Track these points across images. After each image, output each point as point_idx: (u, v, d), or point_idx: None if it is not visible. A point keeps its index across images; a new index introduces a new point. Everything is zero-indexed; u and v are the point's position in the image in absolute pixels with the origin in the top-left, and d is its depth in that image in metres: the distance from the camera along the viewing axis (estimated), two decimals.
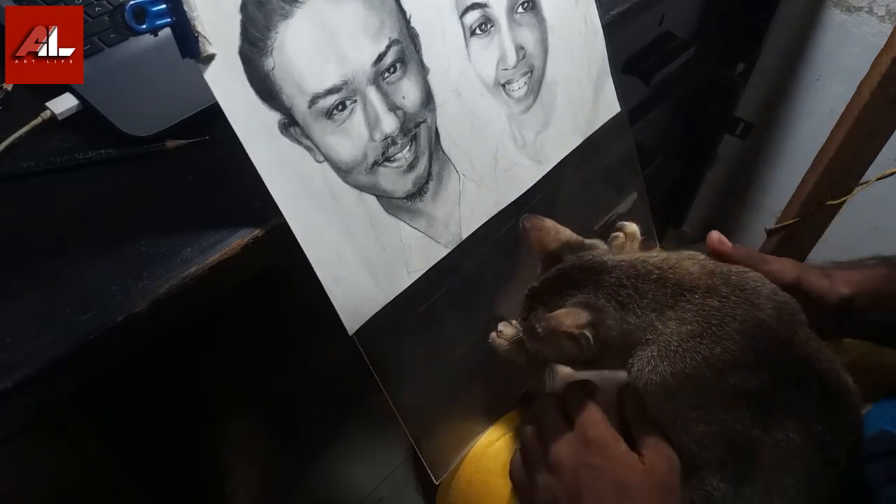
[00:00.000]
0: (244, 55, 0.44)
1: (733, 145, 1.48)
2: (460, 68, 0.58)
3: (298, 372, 0.70)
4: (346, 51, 0.49)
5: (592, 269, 0.55)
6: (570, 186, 0.73)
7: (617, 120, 0.76)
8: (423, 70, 0.55)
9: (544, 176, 0.68)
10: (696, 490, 0.53)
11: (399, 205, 0.55)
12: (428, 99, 0.56)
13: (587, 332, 0.52)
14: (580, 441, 0.53)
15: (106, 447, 0.56)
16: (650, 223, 0.89)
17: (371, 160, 0.53)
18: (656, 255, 0.58)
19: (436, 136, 0.57)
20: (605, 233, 0.70)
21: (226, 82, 0.44)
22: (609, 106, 0.74)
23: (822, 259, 0.65)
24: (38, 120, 0.54)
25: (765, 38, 1.24)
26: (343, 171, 0.51)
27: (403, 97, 0.54)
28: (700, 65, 1.19)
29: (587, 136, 0.72)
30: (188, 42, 0.42)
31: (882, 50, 1.00)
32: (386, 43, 0.52)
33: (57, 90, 0.55)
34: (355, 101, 0.51)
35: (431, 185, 0.58)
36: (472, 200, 0.61)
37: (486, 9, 0.59)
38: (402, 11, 0.53)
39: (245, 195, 0.50)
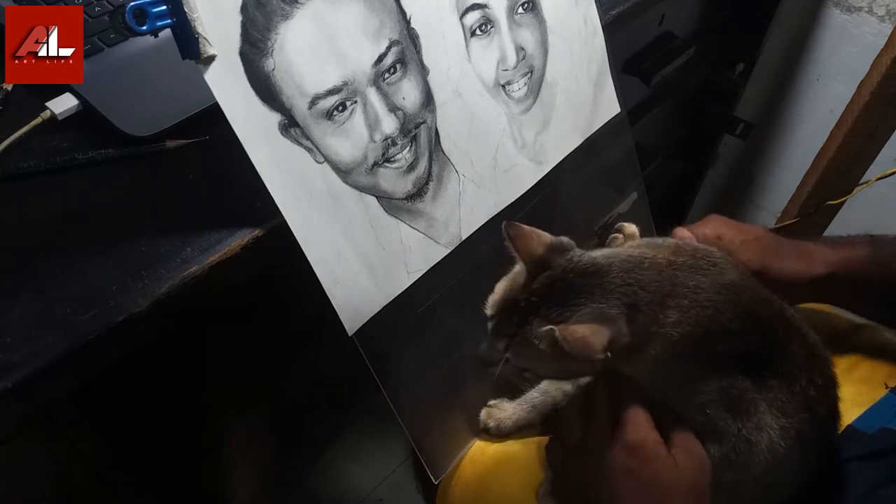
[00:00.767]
0: (244, 56, 0.44)
1: (733, 145, 1.48)
2: (460, 69, 0.58)
3: (298, 372, 0.70)
4: (346, 52, 0.49)
5: (589, 272, 0.53)
6: (570, 187, 0.73)
7: (617, 120, 0.76)
8: (424, 71, 0.55)
9: (544, 176, 0.68)
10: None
11: (399, 205, 0.55)
12: (428, 100, 0.56)
13: (607, 352, 0.49)
14: (624, 443, 0.52)
15: (106, 447, 0.56)
16: (650, 223, 0.89)
17: (371, 161, 0.53)
18: (626, 245, 0.59)
19: (436, 137, 0.57)
20: (605, 233, 0.70)
21: (226, 83, 0.44)
22: (609, 106, 0.74)
23: None
24: (38, 120, 0.54)
25: (765, 38, 1.24)
26: (343, 172, 0.51)
27: (403, 98, 0.54)
28: (700, 65, 1.19)
29: (587, 136, 0.72)
30: (188, 43, 0.42)
31: (882, 50, 1.00)
32: (386, 44, 0.52)
33: (57, 90, 0.55)
34: (355, 102, 0.51)
35: (431, 185, 0.58)
36: (471, 201, 0.61)
37: (487, 9, 0.59)
38: (402, 12, 0.53)
39: (245, 195, 0.50)
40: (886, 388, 0.67)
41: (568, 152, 0.70)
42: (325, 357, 0.69)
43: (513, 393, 0.71)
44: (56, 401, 0.48)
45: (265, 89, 0.46)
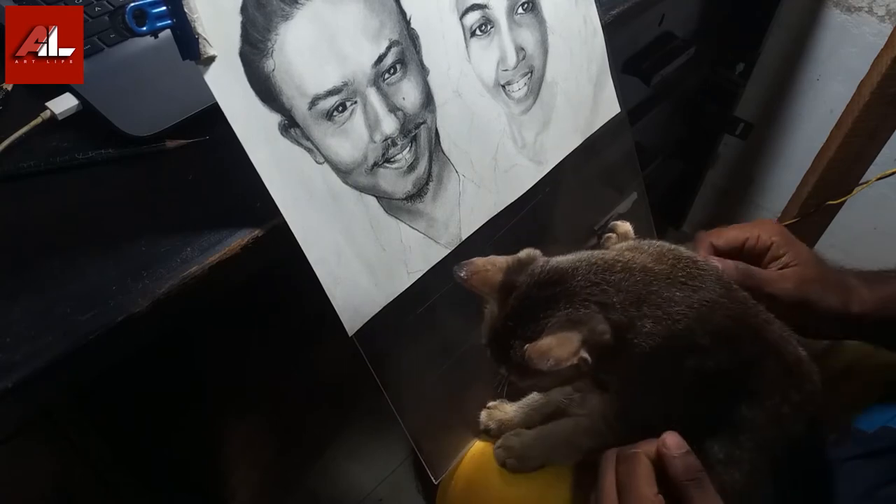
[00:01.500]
0: (244, 57, 0.44)
1: (733, 145, 1.48)
2: (460, 69, 0.58)
3: (298, 372, 0.70)
4: (346, 52, 0.49)
5: (552, 280, 0.52)
6: (570, 187, 0.73)
7: (617, 120, 0.76)
8: (423, 71, 0.55)
9: (544, 176, 0.68)
10: None
11: (399, 206, 0.56)
12: (428, 100, 0.56)
13: (584, 354, 0.49)
14: None
15: (106, 447, 0.56)
16: (650, 223, 0.89)
17: (371, 161, 0.53)
18: (615, 245, 0.58)
19: (436, 137, 0.57)
20: (605, 233, 0.70)
21: (226, 84, 0.44)
22: (609, 106, 0.74)
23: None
24: (38, 120, 0.54)
25: (765, 38, 1.24)
26: (343, 173, 0.51)
27: (403, 98, 0.54)
28: (700, 65, 1.19)
29: (587, 136, 0.72)
30: (188, 44, 0.42)
31: (882, 50, 1.00)
32: (386, 44, 0.52)
33: (57, 90, 0.55)
34: (355, 103, 0.51)
35: (431, 185, 0.58)
36: (471, 201, 0.61)
37: (486, 10, 0.59)
38: (402, 12, 0.53)
39: (245, 195, 0.50)
40: (884, 387, 0.67)
41: (568, 152, 0.70)
42: (325, 357, 0.69)
43: (510, 395, 0.71)
44: (56, 401, 0.48)
45: (265, 90, 0.46)
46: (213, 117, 0.46)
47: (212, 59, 0.43)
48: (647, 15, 0.88)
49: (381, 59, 0.52)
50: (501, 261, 0.56)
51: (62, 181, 0.52)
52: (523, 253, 0.56)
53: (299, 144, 0.48)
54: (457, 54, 0.58)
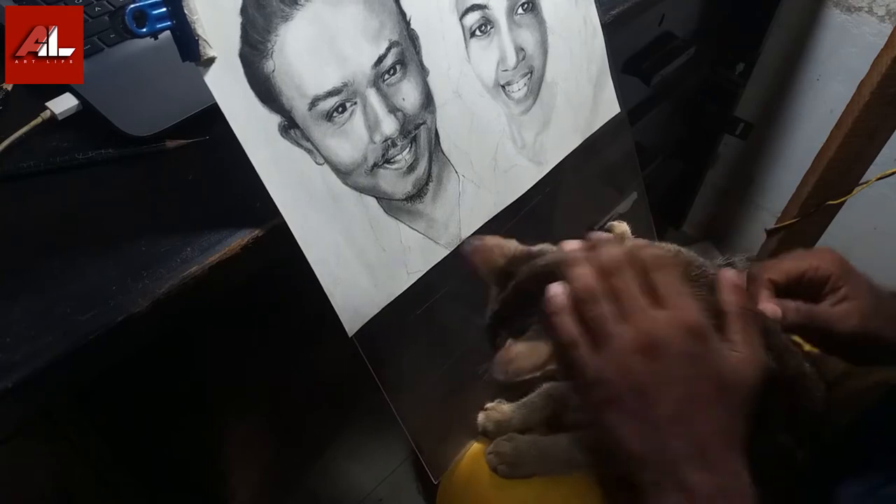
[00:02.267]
0: (244, 58, 0.44)
1: (733, 145, 1.48)
2: (460, 69, 0.58)
3: (298, 372, 0.70)
4: (345, 53, 0.49)
5: (548, 276, 0.48)
6: (570, 187, 0.73)
7: (617, 120, 0.76)
8: (423, 71, 0.55)
9: (544, 177, 0.68)
10: None
11: (399, 206, 0.56)
12: (428, 100, 0.56)
13: (551, 367, 0.46)
14: (680, 325, 0.43)
15: (106, 447, 0.56)
16: (650, 223, 0.89)
17: (371, 162, 0.53)
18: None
19: (435, 138, 0.57)
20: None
21: (226, 85, 0.44)
22: (609, 106, 0.74)
23: None
24: (38, 120, 0.54)
25: (765, 38, 1.24)
26: (343, 173, 0.51)
27: (403, 99, 0.54)
28: (700, 65, 1.19)
29: (587, 136, 0.72)
30: (188, 45, 0.42)
31: (882, 50, 1.00)
32: (386, 45, 0.52)
33: (57, 90, 0.55)
34: (355, 104, 0.51)
35: (431, 186, 0.58)
36: (471, 201, 0.61)
37: (486, 10, 0.59)
38: (401, 13, 0.53)
39: (245, 195, 0.50)
40: (885, 386, 0.67)
41: (568, 152, 0.70)
42: (325, 357, 0.69)
43: (510, 394, 0.71)
44: (56, 401, 0.48)
45: (265, 91, 0.46)
46: (213, 117, 0.46)
47: (212, 60, 0.43)
48: (647, 15, 0.88)
49: (380, 59, 0.52)
50: (511, 246, 0.54)
51: (62, 181, 0.52)
52: (538, 247, 0.54)
53: (299, 145, 0.48)
54: (457, 55, 0.58)
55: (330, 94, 0.49)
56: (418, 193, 0.57)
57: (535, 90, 0.65)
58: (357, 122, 0.51)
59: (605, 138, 0.75)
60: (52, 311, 0.44)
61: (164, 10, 0.41)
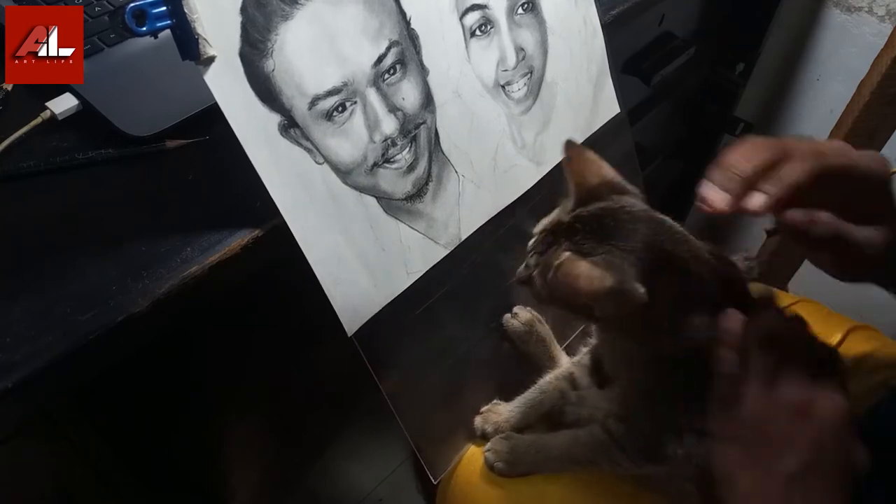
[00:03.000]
0: (244, 57, 0.44)
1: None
2: (460, 69, 0.58)
3: (298, 372, 0.70)
4: (346, 52, 0.49)
5: (639, 219, 0.50)
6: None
7: (617, 120, 0.76)
8: (423, 71, 0.55)
9: (544, 177, 0.68)
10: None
11: (398, 206, 0.56)
12: (428, 100, 0.56)
13: (602, 300, 0.46)
14: (836, 408, 0.46)
15: (106, 447, 0.56)
16: None
17: (371, 161, 0.53)
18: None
19: (435, 138, 0.57)
20: None
21: (226, 84, 0.44)
22: (609, 106, 0.74)
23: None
24: (38, 120, 0.54)
25: (765, 38, 1.24)
26: (343, 173, 0.51)
27: (403, 98, 0.54)
28: (700, 65, 1.19)
29: (587, 136, 0.72)
30: (188, 44, 0.42)
31: (882, 50, 1.00)
32: (386, 44, 0.52)
33: (57, 90, 0.55)
34: (355, 103, 0.51)
35: (431, 186, 0.58)
36: (471, 201, 0.61)
37: (486, 10, 0.59)
38: (402, 13, 0.53)
39: (245, 195, 0.50)
40: (886, 387, 0.67)
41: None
42: (325, 357, 0.69)
43: (509, 394, 0.71)
44: (56, 401, 0.48)
45: (265, 90, 0.46)
46: (213, 117, 0.46)
47: (211, 59, 0.43)
48: (647, 15, 0.88)
49: (380, 59, 0.52)
50: (608, 171, 0.55)
51: (62, 181, 0.52)
52: (632, 188, 0.56)
53: (299, 145, 0.48)
54: (457, 55, 0.58)
55: (330, 93, 0.49)
56: (418, 193, 0.57)
57: (534, 90, 0.65)
58: (357, 121, 0.51)
59: (605, 138, 0.74)
60: (52, 311, 0.44)
61: (164, 8, 0.41)
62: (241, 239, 0.49)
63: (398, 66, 0.53)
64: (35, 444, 0.51)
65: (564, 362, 0.72)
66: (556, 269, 0.48)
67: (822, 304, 0.82)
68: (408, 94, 0.54)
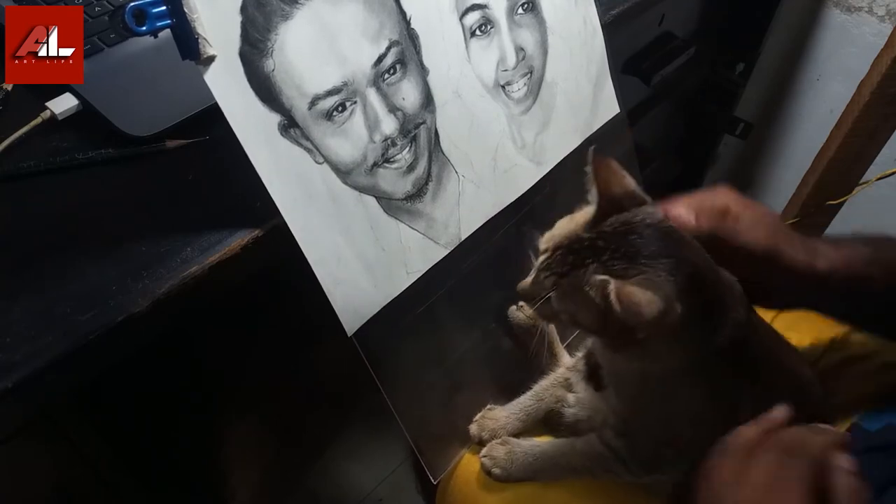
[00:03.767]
0: (244, 57, 0.44)
1: (733, 145, 1.48)
2: (460, 69, 0.58)
3: (298, 372, 0.70)
4: (346, 52, 0.49)
5: (667, 235, 0.50)
6: (570, 187, 0.73)
7: (616, 120, 0.76)
8: (423, 71, 0.55)
9: (544, 177, 0.68)
10: None
11: (398, 206, 0.56)
12: (427, 100, 0.56)
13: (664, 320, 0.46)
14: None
15: (106, 447, 0.57)
16: None
17: (371, 161, 0.53)
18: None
19: (435, 138, 0.57)
20: None
21: (226, 84, 0.44)
22: (608, 107, 0.74)
23: None
24: (38, 120, 0.54)
25: (765, 38, 1.24)
26: (343, 173, 0.51)
27: (403, 98, 0.54)
28: (700, 65, 1.19)
29: (587, 136, 0.72)
30: (188, 44, 0.42)
31: (882, 50, 1.00)
32: (386, 44, 0.52)
33: (57, 90, 0.55)
34: (355, 103, 0.51)
35: (431, 186, 0.58)
36: (471, 201, 0.61)
37: (486, 10, 0.59)
38: (402, 13, 0.53)
39: (245, 195, 0.50)
40: (886, 387, 0.67)
41: (567, 153, 0.70)
42: (325, 357, 0.69)
43: (508, 395, 0.71)
44: (56, 401, 0.48)
45: (265, 90, 0.46)
46: (213, 117, 0.46)
47: (211, 58, 0.43)
48: (647, 15, 0.88)
49: (380, 59, 0.52)
50: (630, 182, 0.55)
51: (62, 181, 0.52)
52: (647, 199, 0.55)
53: (299, 144, 0.48)
54: (457, 55, 0.58)
55: (330, 93, 0.49)
56: (418, 193, 0.57)
57: (534, 90, 0.65)
58: (357, 121, 0.51)
59: (605, 138, 0.74)
60: (52, 311, 0.44)
61: (164, 8, 0.41)
62: (241, 239, 0.49)
63: (398, 66, 0.53)
64: (35, 444, 0.51)
65: (566, 362, 0.72)
66: (618, 299, 0.46)
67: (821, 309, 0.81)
68: (408, 93, 0.54)
